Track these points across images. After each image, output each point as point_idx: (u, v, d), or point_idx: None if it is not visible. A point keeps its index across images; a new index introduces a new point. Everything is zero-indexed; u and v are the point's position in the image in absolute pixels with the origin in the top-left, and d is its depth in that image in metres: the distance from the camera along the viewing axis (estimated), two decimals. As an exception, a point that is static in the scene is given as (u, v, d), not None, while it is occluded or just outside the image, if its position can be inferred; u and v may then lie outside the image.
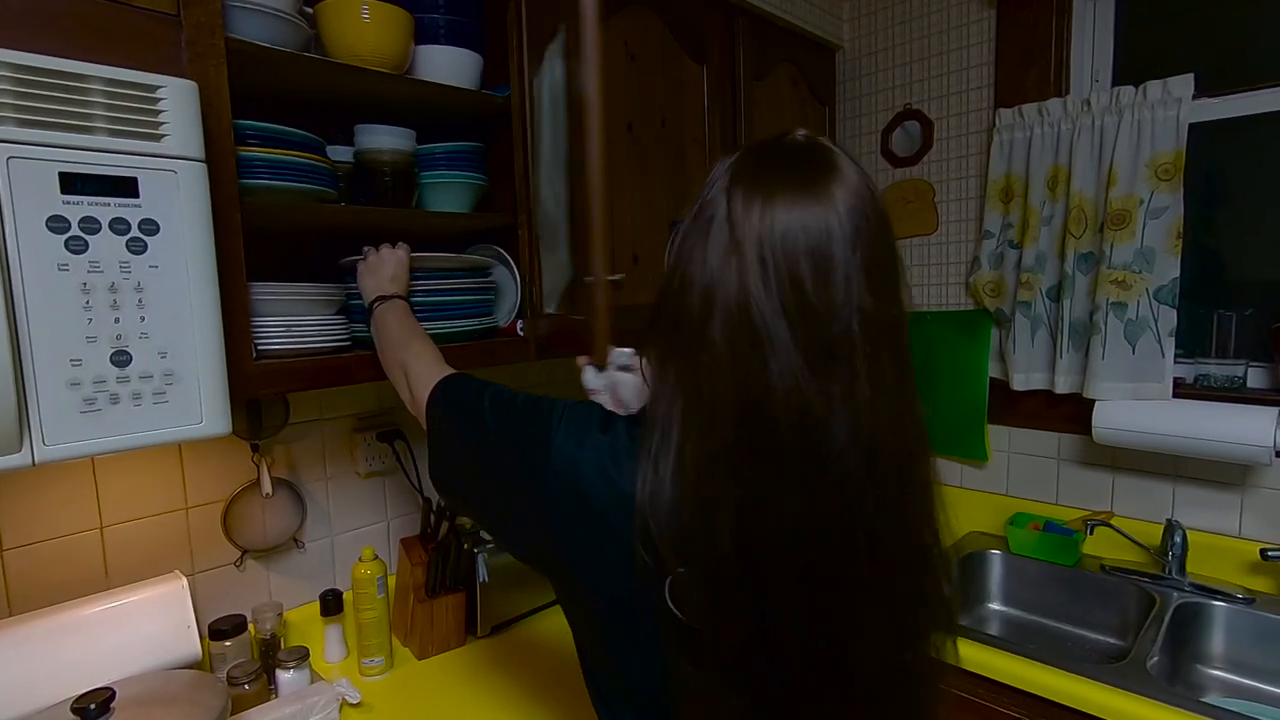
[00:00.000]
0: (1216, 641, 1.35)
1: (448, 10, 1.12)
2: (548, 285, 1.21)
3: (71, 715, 0.78)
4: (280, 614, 1.18)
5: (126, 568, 1.08)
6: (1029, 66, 1.60)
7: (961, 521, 1.77)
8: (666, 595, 0.53)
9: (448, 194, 1.17)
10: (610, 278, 1.13)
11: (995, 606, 1.63)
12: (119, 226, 0.72)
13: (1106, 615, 1.47)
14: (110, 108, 0.71)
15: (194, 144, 0.77)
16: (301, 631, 1.23)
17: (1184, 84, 1.36)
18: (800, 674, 0.53)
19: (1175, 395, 1.42)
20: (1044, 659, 1.16)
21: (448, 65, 1.12)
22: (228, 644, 1.07)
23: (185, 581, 1.07)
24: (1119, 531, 1.50)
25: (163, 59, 0.78)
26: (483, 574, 1.27)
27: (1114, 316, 1.45)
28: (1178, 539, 1.40)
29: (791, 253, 0.49)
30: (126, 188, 0.73)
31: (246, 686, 1.00)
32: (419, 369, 0.83)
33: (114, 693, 0.82)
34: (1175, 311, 1.40)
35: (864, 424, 0.50)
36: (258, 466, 1.18)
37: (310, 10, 1.02)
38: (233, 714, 0.94)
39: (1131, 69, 1.55)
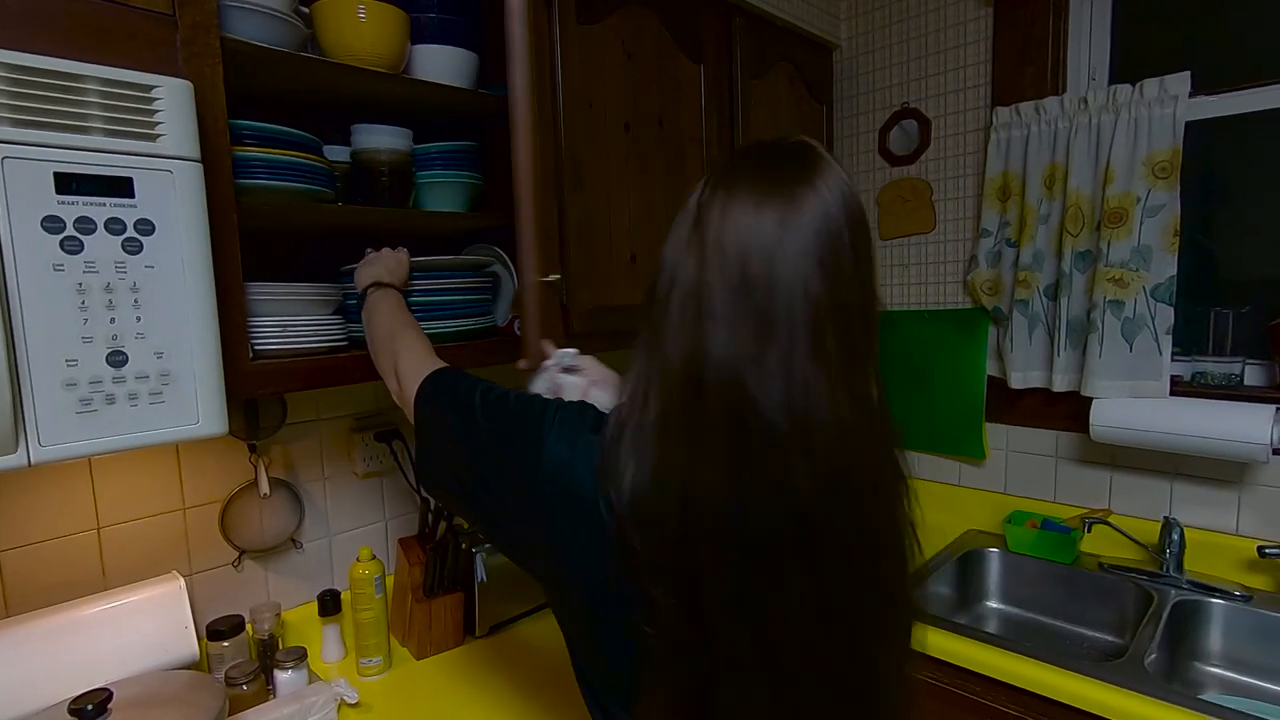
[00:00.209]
0: (1214, 639, 1.35)
1: (443, 9, 1.12)
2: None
3: (69, 716, 0.78)
4: (278, 614, 1.18)
5: (124, 568, 1.07)
6: (1026, 65, 1.60)
7: (959, 519, 1.77)
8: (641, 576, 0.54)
9: (444, 193, 1.17)
10: (545, 279, 1.12)
11: (993, 604, 1.63)
12: (114, 227, 0.72)
13: (1104, 613, 1.47)
14: (105, 108, 0.71)
15: (189, 144, 0.77)
16: (299, 632, 1.23)
17: (1180, 82, 1.36)
18: (730, 655, 0.53)
19: (1173, 393, 1.42)
20: (1042, 657, 1.16)
21: (444, 64, 1.12)
22: (225, 644, 1.07)
23: (183, 582, 1.07)
24: (1117, 529, 1.50)
25: (158, 59, 0.78)
26: (481, 574, 1.27)
27: (1111, 314, 1.45)
28: (1175, 536, 1.40)
29: (744, 242, 0.52)
30: (122, 188, 0.72)
31: (244, 687, 1.00)
32: (409, 361, 0.82)
33: (111, 693, 0.82)
34: (1172, 309, 1.40)
35: (796, 397, 0.50)
36: (255, 467, 1.18)
37: (306, 10, 1.02)
38: (230, 714, 0.94)
39: (1128, 67, 1.55)
